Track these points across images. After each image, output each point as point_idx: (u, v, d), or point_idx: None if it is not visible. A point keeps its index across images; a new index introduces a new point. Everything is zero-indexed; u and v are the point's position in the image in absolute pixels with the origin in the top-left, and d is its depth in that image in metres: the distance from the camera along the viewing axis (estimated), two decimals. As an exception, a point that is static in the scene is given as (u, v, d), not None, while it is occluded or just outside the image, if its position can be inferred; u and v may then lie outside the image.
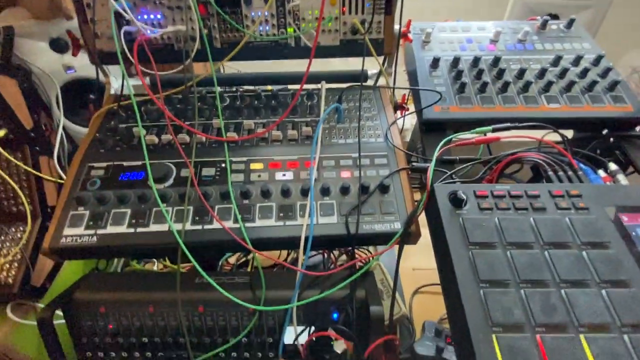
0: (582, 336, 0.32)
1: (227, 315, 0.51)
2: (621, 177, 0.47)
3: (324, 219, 0.48)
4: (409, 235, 0.47)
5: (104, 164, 0.54)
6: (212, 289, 0.46)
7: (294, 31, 0.57)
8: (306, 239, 0.46)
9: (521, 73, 0.59)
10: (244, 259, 0.78)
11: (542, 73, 0.59)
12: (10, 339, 0.60)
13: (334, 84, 0.64)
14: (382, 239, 0.47)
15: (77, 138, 0.84)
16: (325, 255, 0.72)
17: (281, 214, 0.48)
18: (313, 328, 0.49)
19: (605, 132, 0.58)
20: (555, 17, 0.72)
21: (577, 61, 0.60)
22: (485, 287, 0.35)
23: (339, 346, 0.46)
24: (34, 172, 0.66)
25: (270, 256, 0.47)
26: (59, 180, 0.71)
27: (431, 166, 0.48)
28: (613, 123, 0.56)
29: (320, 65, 0.59)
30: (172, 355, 0.52)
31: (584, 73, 0.59)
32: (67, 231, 0.47)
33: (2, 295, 0.60)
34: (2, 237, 0.64)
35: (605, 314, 0.33)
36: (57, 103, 0.79)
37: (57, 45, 0.80)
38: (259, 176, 0.52)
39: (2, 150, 0.62)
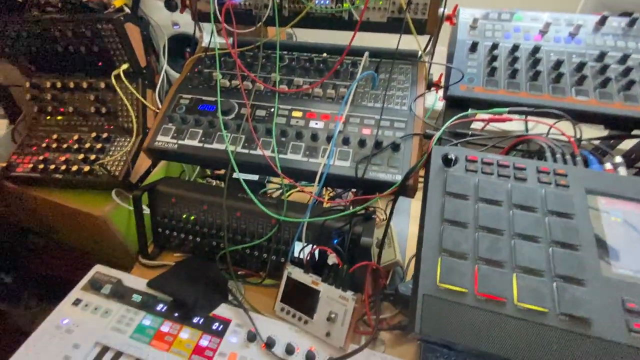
0: (514, 274, 0.40)
1: (256, 222, 0.67)
2: (622, 170, 0.49)
3: (340, 162, 0.60)
4: (406, 187, 0.56)
5: (190, 96, 0.72)
6: (249, 201, 0.61)
7: (348, 6, 0.67)
8: (322, 174, 0.58)
9: (558, 64, 0.61)
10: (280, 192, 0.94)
11: (580, 67, 0.60)
12: (110, 215, 0.84)
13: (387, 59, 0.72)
14: (384, 186, 0.57)
15: (174, 80, 1.06)
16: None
17: (307, 152, 0.61)
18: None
19: (635, 132, 0.58)
20: (629, 15, 0.69)
21: (623, 60, 0.60)
22: (446, 225, 0.44)
23: (332, 259, 0.59)
24: (142, 99, 0.88)
25: (293, 181, 0.60)
26: (157, 110, 0.93)
27: (438, 133, 0.56)
28: (643, 124, 0.56)
29: (383, 41, 0.69)
30: (214, 243, 0.70)
31: (627, 72, 0.59)
32: (159, 138, 0.66)
33: (111, 183, 0.83)
34: (117, 143, 0.88)
35: (543, 263, 0.40)
36: (164, 51, 1.01)
37: (169, 5, 1.01)
38: (297, 122, 0.65)
39: (124, 79, 0.85)
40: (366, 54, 0.68)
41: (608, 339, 0.36)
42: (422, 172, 0.55)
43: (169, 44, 1.03)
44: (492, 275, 0.40)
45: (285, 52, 0.77)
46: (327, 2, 0.69)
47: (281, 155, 0.61)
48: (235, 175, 0.87)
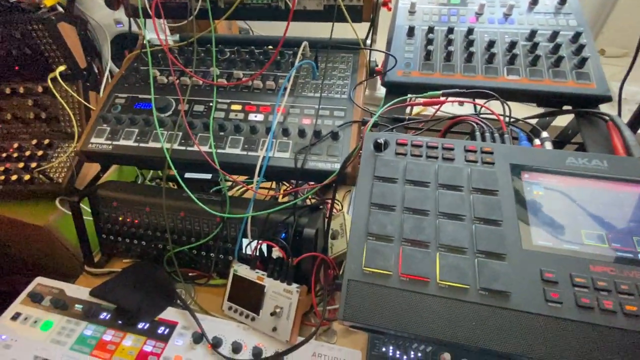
0: (438, 253, 0.40)
1: (201, 222, 0.65)
2: (548, 144, 0.50)
3: (280, 154, 0.58)
4: (344, 175, 0.56)
5: (126, 95, 0.69)
6: (191, 200, 0.60)
7: (282, -5, 0.66)
8: (261, 166, 0.57)
9: (490, 45, 0.62)
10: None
11: (511, 46, 0.61)
12: (55, 225, 0.80)
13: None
14: (323, 175, 0.56)
15: (121, 82, 1.02)
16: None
17: (246, 146, 0.59)
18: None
19: (566, 107, 0.59)
20: None
21: (553, 37, 0.61)
22: (374, 209, 0.44)
23: (276, 253, 0.58)
24: (84, 102, 0.84)
25: (235, 178, 0.58)
26: (103, 113, 0.89)
27: (372, 120, 0.55)
28: (573, 99, 0.58)
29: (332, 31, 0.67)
30: (160, 245, 0.68)
31: (556, 49, 0.60)
32: (93, 140, 0.63)
33: (54, 191, 0.80)
34: (59, 149, 0.84)
35: (465, 241, 0.40)
36: (110, 51, 0.97)
37: (110, 2, 0.97)
38: (236, 115, 0.63)
39: (61, 81, 0.81)
40: (305, 43, 0.67)
41: (526, 310, 0.36)
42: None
43: (115, 44, 0.99)
44: (416, 255, 0.40)
45: (226, 47, 0.75)
46: (261, -9, 0.67)
47: (219, 150, 0.59)
48: (187, 175, 0.85)
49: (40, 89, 0.85)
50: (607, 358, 0.33)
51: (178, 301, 0.62)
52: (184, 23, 0.69)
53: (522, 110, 0.65)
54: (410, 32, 0.66)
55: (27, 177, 0.78)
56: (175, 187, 0.88)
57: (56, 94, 0.82)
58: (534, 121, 0.60)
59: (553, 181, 0.44)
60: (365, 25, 0.70)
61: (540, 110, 0.65)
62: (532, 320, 0.35)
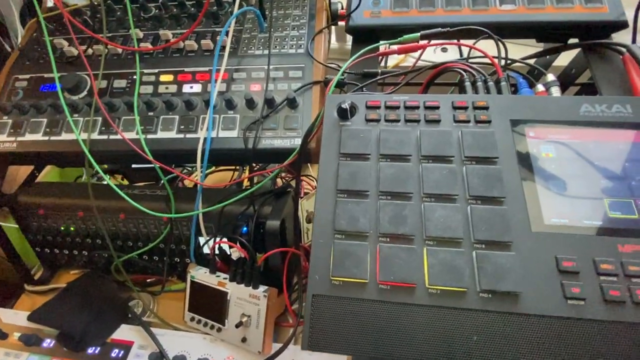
0: (425, 249, 0.31)
1: (147, 222, 0.54)
2: (555, 90, 0.40)
3: (225, 133, 0.47)
4: (308, 153, 0.45)
5: (27, 76, 0.55)
6: (135, 198, 0.48)
7: None
8: (203, 151, 0.45)
9: (478, -33, 0.49)
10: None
11: (504, -34, 0.48)
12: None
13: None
14: (282, 155, 0.46)
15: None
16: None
17: (182, 126, 0.47)
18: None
19: (572, 41, 0.48)
20: None
21: (555, -52, 0.48)
22: (341, 197, 0.34)
23: (235, 253, 0.48)
24: None
25: (172, 169, 0.47)
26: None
27: (336, 77, 0.43)
28: (581, 29, 0.46)
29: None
30: (104, 254, 0.58)
31: (559, -36, 0.47)
32: (-9, 137, 0.50)
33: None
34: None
35: (459, 228, 0.31)
36: (16, 22, 0.79)
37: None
38: (167, 88, 0.50)
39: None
40: (243, -15, 0.52)
41: (540, 313, 0.28)
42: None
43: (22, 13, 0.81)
44: (397, 255, 0.30)
45: (150, 1, 0.59)
46: None
47: (150, 136, 0.47)
48: (134, 165, 0.73)
49: None
50: (647, 367, 0.26)
51: (132, 316, 0.53)
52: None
53: (516, 50, 0.54)
54: (377, -41, 0.52)
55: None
56: (125, 180, 0.76)
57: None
58: (533, 62, 0.49)
59: (566, 137, 0.35)
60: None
61: (540, 47, 0.53)
62: (549, 326, 0.27)
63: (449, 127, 0.36)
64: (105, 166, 0.77)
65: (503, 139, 0.35)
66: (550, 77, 0.41)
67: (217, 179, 0.77)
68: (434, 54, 0.73)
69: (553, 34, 0.48)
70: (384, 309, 0.29)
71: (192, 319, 0.51)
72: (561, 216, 0.31)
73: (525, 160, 0.34)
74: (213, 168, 0.76)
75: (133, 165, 0.73)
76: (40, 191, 0.58)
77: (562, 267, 0.29)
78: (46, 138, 0.49)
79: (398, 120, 0.37)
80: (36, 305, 0.55)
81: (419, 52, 0.59)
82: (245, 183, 0.62)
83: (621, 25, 0.46)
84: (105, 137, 0.48)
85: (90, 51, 0.55)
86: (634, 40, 0.49)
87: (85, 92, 0.52)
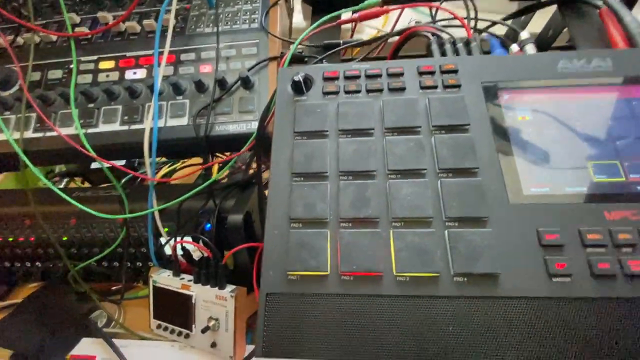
0: (391, 231, 0.27)
1: (102, 227, 0.50)
2: (530, 48, 0.36)
3: (174, 121, 0.42)
4: (266, 137, 0.41)
5: (-49, 72, 0.49)
6: (86, 201, 0.44)
7: None
8: (150, 143, 0.41)
9: None
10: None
11: None
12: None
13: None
14: (239, 141, 0.41)
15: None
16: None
17: (126, 117, 0.43)
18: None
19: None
20: None
21: None
22: (297, 181, 0.30)
23: (196, 253, 0.44)
24: None
25: (119, 166, 0.42)
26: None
27: (291, 50, 0.39)
28: (555, -17, 0.43)
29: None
30: (59, 264, 0.53)
31: None
32: None
33: None
34: None
35: (429, 207, 0.27)
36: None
37: None
38: (107, 76, 0.45)
39: None
40: (187, -44, 0.47)
41: (523, 295, 0.24)
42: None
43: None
44: (360, 241, 0.27)
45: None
46: None
47: (90, 130, 0.42)
48: (93, 165, 0.68)
49: None
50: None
51: (94, 329, 0.49)
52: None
53: (491, 14, 0.50)
54: None
55: None
56: (86, 183, 0.71)
57: None
58: (508, 22, 0.45)
59: (543, 98, 0.31)
60: None
61: (514, 7, 0.49)
62: (534, 308, 0.24)
63: (414, 94, 0.32)
64: (64, 168, 0.71)
65: (474, 104, 0.31)
66: (525, 34, 0.37)
67: (187, 174, 0.72)
68: (408, 23, 0.69)
69: (526, -6, 0.45)
70: (347, 304, 0.26)
71: (159, 327, 0.47)
72: (542, 185, 0.28)
73: (500, 126, 0.30)
74: (184, 162, 0.71)
75: (92, 165, 0.67)
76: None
77: (545, 241, 0.26)
78: (-26, 140, 0.44)
79: (359, 91, 0.33)
80: (-10, 325, 0.50)
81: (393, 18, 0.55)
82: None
83: (597, -24, 0.42)
84: (40, 134, 0.43)
85: (20, 41, 0.49)
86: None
87: (17, 87, 0.46)
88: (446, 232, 0.27)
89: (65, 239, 0.51)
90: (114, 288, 0.57)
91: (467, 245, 0.26)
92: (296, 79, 0.33)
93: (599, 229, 0.26)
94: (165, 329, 0.47)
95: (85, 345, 0.48)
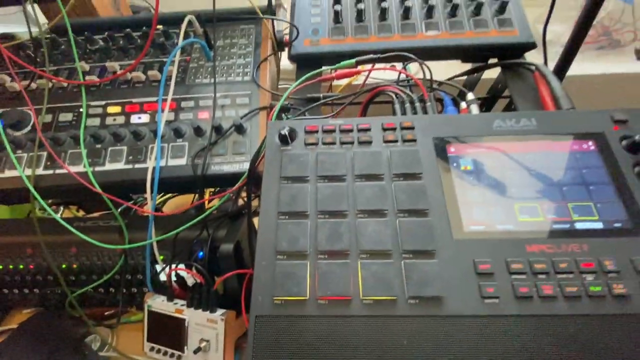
0: (359, 262, 0.33)
1: (101, 255, 0.53)
2: (474, 107, 0.45)
3: (174, 161, 0.48)
4: (257, 176, 0.47)
5: (-34, 113, 0.53)
6: (86, 231, 0.48)
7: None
8: (152, 180, 0.46)
9: (404, -2, 0.54)
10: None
11: (427, -2, 0.53)
12: None
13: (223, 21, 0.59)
14: (232, 180, 0.47)
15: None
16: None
17: (131, 157, 0.48)
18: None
19: (492, 61, 0.54)
20: None
21: (470, -19, 0.54)
22: (283, 219, 0.36)
23: (189, 279, 0.49)
24: None
25: (121, 200, 0.47)
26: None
27: (279, 104, 0.46)
28: (497, 50, 0.52)
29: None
30: (58, 290, 0.56)
31: (474, -5, 0.53)
32: None
33: None
34: None
35: (389, 242, 0.34)
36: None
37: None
38: (114, 120, 0.51)
39: None
40: (188, 17, 0.54)
41: (461, 314, 0.31)
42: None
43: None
44: (334, 271, 0.33)
45: (96, 34, 0.60)
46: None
47: (98, 168, 0.48)
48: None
49: None
50: (552, 355, 0.29)
51: (88, 353, 0.52)
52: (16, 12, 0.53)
53: (450, 68, 0.59)
54: (315, -9, 0.56)
55: None
56: (80, 212, 0.74)
57: None
58: (462, 80, 0.54)
59: (481, 151, 0.39)
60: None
61: (467, 67, 0.59)
62: (470, 325, 0.30)
63: (379, 147, 0.39)
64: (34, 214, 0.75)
65: (427, 155, 0.38)
66: (470, 95, 0.46)
67: (178, 204, 0.77)
68: (383, 73, 0.78)
69: (474, 55, 0.54)
70: (323, 323, 0.31)
71: (152, 349, 0.51)
72: (478, 223, 0.35)
73: (447, 174, 0.37)
74: (173, 194, 0.76)
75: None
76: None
77: (479, 269, 0.32)
78: (-14, 176, 0.48)
79: (334, 143, 0.40)
80: (-17, 351, 0.52)
81: (365, 74, 0.63)
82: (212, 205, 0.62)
83: (530, 46, 0.52)
84: (50, 171, 0.48)
85: (34, 85, 0.54)
86: (545, 61, 0.56)
87: (29, 128, 0.51)
88: (402, 262, 0.33)
89: (64, 266, 0.54)
90: (107, 313, 0.60)
91: (418, 273, 0.32)
92: (282, 132, 0.40)
93: (521, 259, 0.32)
94: (158, 351, 0.51)
95: (80, 369, 0.51)
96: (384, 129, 0.40)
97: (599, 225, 0.34)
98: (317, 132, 0.41)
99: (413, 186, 0.36)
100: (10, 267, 0.55)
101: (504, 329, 0.30)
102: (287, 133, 0.40)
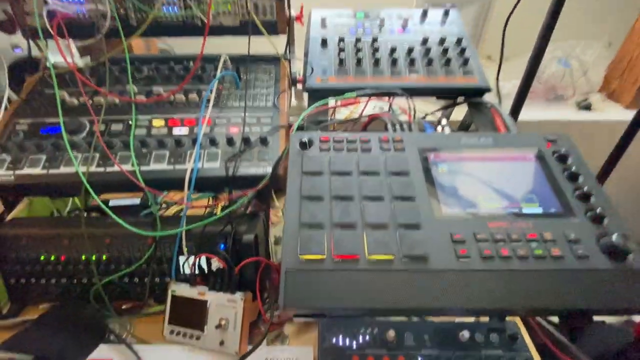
0: (365, 232, 0.43)
1: (131, 246, 0.60)
2: (447, 129, 0.58)
3: (209, 164, 0.58)
4: (277, 178, 0.58)
5: (29, 121, 0.63)
6: (119, 226, 0.56)
7: (195, 11, 0.67)
8: (190, 179, 0.56)
9: (393, 51, 0.70)
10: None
11: (410, 51, 0.70)
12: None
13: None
14: (256, 181, 0.58)
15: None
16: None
17: (172, 159, 0.58)
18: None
19: (460, 99, 0.69)
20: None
21: (441, 42, 0.72)
22: (304, 201, 0.46)
23: (215, 264, 0.56)
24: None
25: (157, 191, 0.56)
26: None
27: (297, 122, 0.59)
28: (463, 92, 0.68)
29: (259, 46, 0.70)
30: (84, 280, 0.61)
31: (445, 52, 0.70)
32: (-11, 171, 0.56)
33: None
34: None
35: (387, 218, 0.44)
36: (4, 78, 0.87)
37: (4, 27, 0.89)
38: (159, 131, 0.62)
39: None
40: (224, 56, 0.68)
41: (442, 268, 0.41)
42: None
43: (11, 68, 0.90)
44: (345, 237, 0.43)
45: (144, 64, 0.73)
46: (175, 8, 0.68)
47: (143, 167, 0.57)
48: (111, 202, 0.79)
49: None
50: (508, 296, 0.39)
51: (111, 336, 0.56)
52: (92, 42, 0.66)
53: (431, 104, 0.74)
54: (324, 43, 0.72)
55: None
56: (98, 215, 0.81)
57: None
58: (438, 114, 0.69)
59: (453, 158, 0.52)
60: (283, 37, 0.74)
61: (442, 102, 0.74)
62: (448, 276, 0.40)
63: (377, 153, 0.52)
64: (81, 207, 0.82)
65: (413, 160, 0.51)
66: (444, 121, 0.60)
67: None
68: (372, 109, 0.94)
69: (446, 95, 0.70)
70: (338, 275, 0.40)
71: (172, 332, 0.56)
72: (453, 208, 0.46)
73: (428, 173, 0.49)
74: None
75: (110, 203, 0.79)
76: (21, 224, 0.62)
77: (454, 238, 0.43)
78: (44, 171, 0.56)
79: (342, 150, 0.52)
80: (2, 340, 0.56)
81: (362, 105, 0.78)
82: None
83: (486, 90, 0.68)
84: (102, 169, 0.57)
85: (90, 102, 0.65)
86: (500, 101, 0.72)
87: (84, 134, 0.61)
88: (397, 232, 0.43)
89: (94, 257, 0.60)
90: (123, 307, 0.64)
91: (409, 239, 0.42)
92: (303, 140, 0.52)
93: (484, 231, 0.43)
94: (178, 333, 0.56)
95: (103, 351, 0.55)
96: (380, 141, 0.53)
97: (539, 210, 0.46)
98: (329, 141, 0.53)
99: (403, 180, 0.48)
100: (42, 257, 0.61)
101: (473, 280, 0.40)
102: (306, 141, 0.52)
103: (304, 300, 0.39)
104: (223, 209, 0.62)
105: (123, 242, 0.60)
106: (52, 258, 0.61)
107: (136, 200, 0.81)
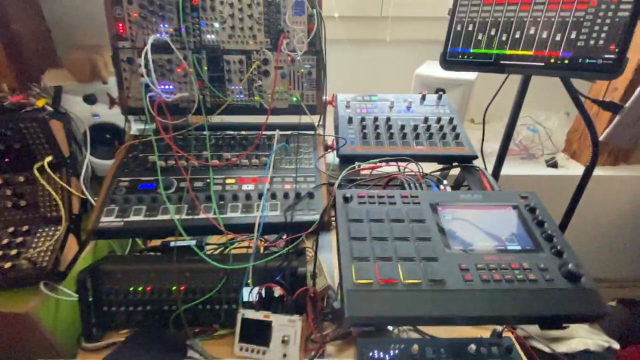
0: (399, 263, 0.61)
1: (205, 279, 0.76)
2: (448, 188, 0.79)
3: (271, 213, 0.77)
4: (323, 223, 0.76)
5: (128, 179, 0.81)
6: (195, 262, 0.72)
7: (258, 99, 0.90)
8: (259, 224, 0.74)
9: (402, 127, 0.94)
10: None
11: (415, 127, 0.94)
12: (36, 310, 0.80)
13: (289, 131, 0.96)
14: (308, 225, 0.76)
15: (96, 167, 1.11)
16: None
17: (244, 209, 0.76)
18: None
19: (454, 164, 0.92)
20: (442, 90, 1.10)
21: (438, 120, 0.96)
22: (353, 241, 0.64)
23: (277, 292, 0.72)
24: (67, 187, 0.91)
25: (235, 235, 0.74)
26: (82, 196, 0.96)
27: (337, 182, 0.79)
28: (456, 159, 0.91)
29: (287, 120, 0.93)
30: (165, 307, 0.75)
31: (441, 128, 0.94)
32: (103, 219, 0.73)
33: (38, 275, 0.81)
34: (39, 234, 0.87)
35: (413, 253, 0.63)
36: (85, 140, 1.07)
37: (89, 99, 1.11)
38: (232, 187, 0.81)
39: (49, 170, 0.88)
40: (277, 130, 0.90)
41: (454, 289, 0.58)
42: (333, 212, 0.76)
43: (90, 132, 1.10)
44: (386, 267, 0.60)
45: (211, 133, 0.94)
46: (242, 96, 0.91)
47: (222, 215, 0.75)
48: (175, 243, 0.95)
49: (21, 179, 0.90)
50: (500, 308, 0.57)
51: (191, 354, 0.69)
52: (183, 120, 0.87)
53: (433, 166, 0.96)
54: (350, 120, 0.95)
55: (7, 265, 0.80)
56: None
57: (43, 181, 0.88)
58: (437, 173, 0.91)
59: (455, 210, 0.72)
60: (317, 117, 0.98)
61: (441, 165, 0.97)
62: (459, 294, 0.58)
63: (400, 205, 0.71)
64: (143, 247, 0.97)
65: (427, 211, 0.70)
66: (445, 182, 0.81)
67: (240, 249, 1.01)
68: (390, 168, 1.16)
69: (444, 160, 0.92)
70: (382, 294, 0.57)
71: (241, 349, 0.70)
72: (459, 246, 0.65)
73: (439, 220, 0.69)
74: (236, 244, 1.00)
75: (171, 244, 0.94)
76: (115, 262, 0.78)
77: (462, 267, 0.61)
78: (146, 218, 0.74)
79: (375, 203, 0.72)
80: None
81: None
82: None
83: (475, 157, 0.90)
84: (190, 217, 0.74)
85: (172, 163, 0.84)
86: (485, 165, 0.95)
87: (173, 189, 0.79)
88: (421, 263, 0.61)
89: (174, 288, 0.75)
90: (194, 332, 0.78)
91: (431, 268, 0.60)
92: (347, 195, 0.71)
93: (482, 263, 0.62)
94: (247, 349, 0.70)
95: (185, 365, 0.68)
96: (402, 197, 0.73)
97: (519, 247, 0.65)
98: (364, 197, 0.73)
99: (422, 226, 0.67)
100: (131, 289, 0.76)
101: (476, 296, 0.58)
102: (349, 196, 0.71)
103: (362, 311, 0.55)
104: (285, 246, 0.80)
105: (199, 275, 0.76)
106: (140, 289, 0.75)
107: (192, 242, 0.97)
